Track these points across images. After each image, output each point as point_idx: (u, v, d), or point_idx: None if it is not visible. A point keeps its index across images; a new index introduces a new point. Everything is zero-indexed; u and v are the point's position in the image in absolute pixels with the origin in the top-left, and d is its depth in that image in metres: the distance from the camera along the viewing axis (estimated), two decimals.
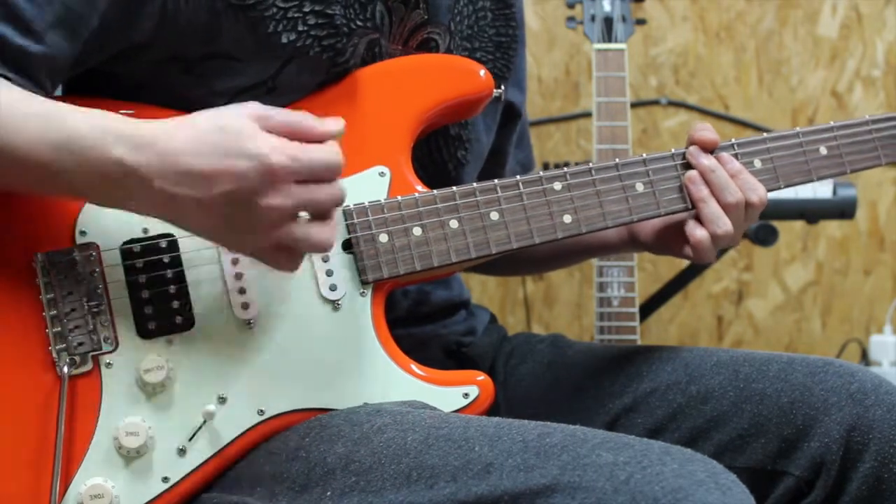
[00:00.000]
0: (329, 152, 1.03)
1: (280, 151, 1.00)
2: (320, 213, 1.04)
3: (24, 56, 1.04)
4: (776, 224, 2.07)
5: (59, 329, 1.08)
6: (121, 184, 1.01)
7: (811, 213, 2.11)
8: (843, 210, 2.10)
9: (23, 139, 0.99)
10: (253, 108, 1.03)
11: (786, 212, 2.09)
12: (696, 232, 1.23)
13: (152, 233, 1.11)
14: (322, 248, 1.05)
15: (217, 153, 0.99)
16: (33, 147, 0.99)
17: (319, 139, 1.05)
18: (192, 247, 1.11)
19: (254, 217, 1.01)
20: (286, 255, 1.06)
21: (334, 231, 1.06)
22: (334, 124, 1.06)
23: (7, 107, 1.00)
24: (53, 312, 1.08)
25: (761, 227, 2.05)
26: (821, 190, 2.08)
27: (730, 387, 1.24)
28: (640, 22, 2.05)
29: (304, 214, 1.03)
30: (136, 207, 1.04)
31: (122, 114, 1.07)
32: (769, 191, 1.26)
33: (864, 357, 2.59)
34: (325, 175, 1.03)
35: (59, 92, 1.16)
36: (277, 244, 1.03)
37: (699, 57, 2.62)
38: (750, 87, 2.63)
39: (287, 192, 1.01)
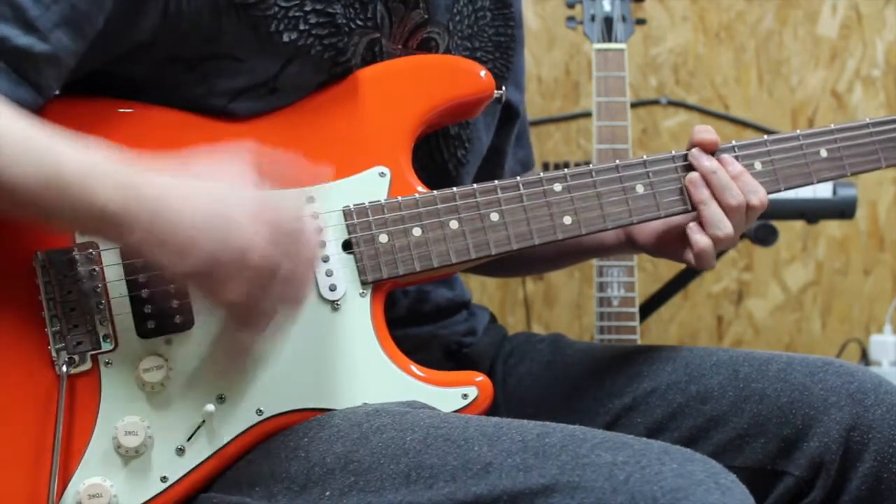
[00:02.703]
0: (310, 257, 1.05)
1: (261, 251, 1.00)
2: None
3: (28, 56, 1.04)
4: (776, 224, 2.07)
5: (58, 328, 1.08)
6: (101, 227, 1.01)
7: (811, 213, 2.12)
8: (843, 210, 2.10)
9: (10, 173, 0.97)
10: (244, 164, 1.03)
11: (786, 212, 2.09)
12: (699, 238, 1.23)
13: None
14: (295, 306, 1.07)
15: (204, 235, 0.99)
16: (20, 182, 0.98)
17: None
18: None
19: (219, 290, 1.02)
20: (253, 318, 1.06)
21: (304, 291, 1.07)
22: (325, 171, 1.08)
23: (2, 140, 0.98)
24: (52, 312, 1.08)
25: (761, 226, 2.05)
26: (821, 190, 2.08)
27: (729, 387, 1.24)
28: (640, 22, 2.05)
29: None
30: (114, 244, 1.06)
31: (122, 112, 1.08)
32: (769, 193, 1.25)
33: (864, 357, 2.59)
34: (297, 279, 1.04)
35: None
36: (241, 309, 1.04)
37: (699, 57, 2.62)
38: (750, 87, 2.63)
39: (256, 283, 1.01)
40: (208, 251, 0.99)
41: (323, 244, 1.14)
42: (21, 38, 1.03)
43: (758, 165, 1.26)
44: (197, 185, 1.02)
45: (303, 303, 1.07)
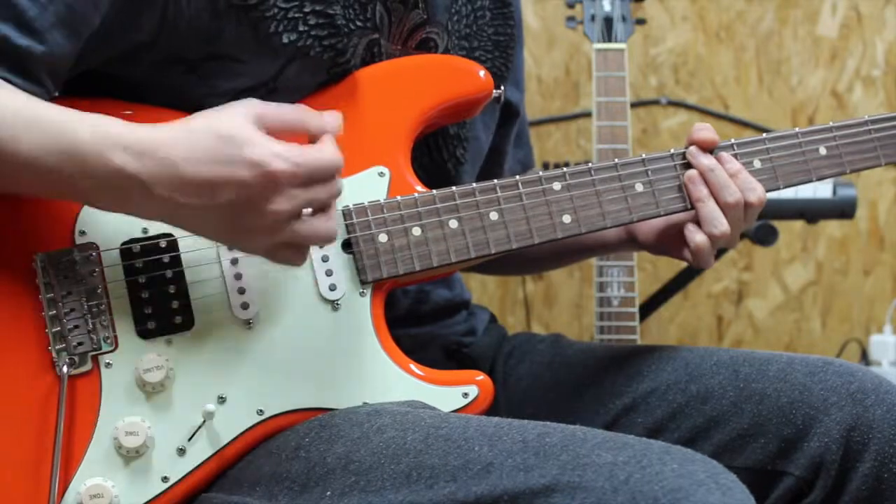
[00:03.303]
0: (328, 154, 1.04)
1: (281, 158, 1.01)
2: (321, 209, 1.05)
3: (26, 56, 1.04)
4: (776, 224, 2.07)
5: (59, 329, 1.08)
6: (122, 191, 1.01)
7: (811, 212, 2.11)
8: (843, 210, 2.10)
9: (26, 146, 0.99)
10: (250, 107, 1.04)
11: (786, 211, 2.09)
12: (696, 237, 1.23)
13: (152, 233, 1.11)
14: (326, 240, 1.07)
15: (218, 161, 1.00)
16: (36, 154, 0.99)
17: (317, 134, 1.05)
18: (191, 247, 1.12)
19: (258, 221, 1.02)
20: (291, 251, 1.07)
21: (335, 222, 1.07)
22: (332, 120, 1.07)
23: (11, 113, 1.00)
24: (53, 312, 1.08)
25: (761, 226, 2.05)
26: (821, 190, 2.08)
27: (730, 386, 1.24)
28: (640, 22, 2.05)
29: (307, 211, 1.04)
30: (139, 212, 1.05)
31: (122, 114, 1.07)
32: (768, 191, 1.26)
33: (864, 357, 2.59)
34: (325, 176, 1.04)
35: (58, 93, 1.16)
36: (282, 242, 1.04)
37: (699, 57, 2.62)
38: (750, 87, 2.63)
39: (289, 196, 1.02)
40: (231, 176, 1.00)
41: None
42: (20, 39, 1.04)
43: (757, 163, 1.26)
44: (200, 127, 1.02)
45: (335, 233, 1.07)
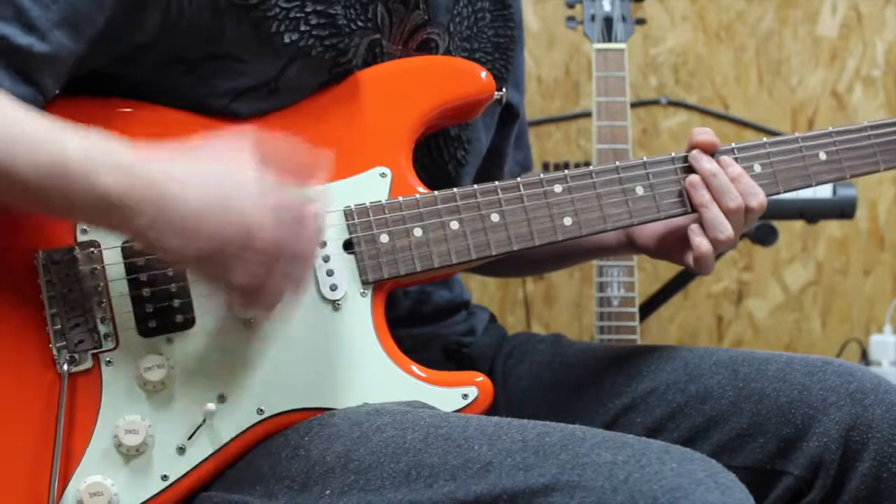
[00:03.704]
0: (309, 239, 1.04)
1: (266, 231, 1.00)
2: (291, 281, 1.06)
3: (28, 55, 1.04)
4: (776, 224, 2.07)
5: (60, 327, 1.08)
6: (104, 215, 1.00)
7: (811, 212, 2.12)
8: (842, 210, 2.10)
9: (14, 162, 0.98)
10: (251, 140, 1.03)
11: (786, 212, 2.09)
12: (700, 241, 1.23)
13: None
14: (297, 287, 1.07)
15: (207, 215, 0.99)
16: (24, 171, 0.98)
17: (306, 179, 1.05)
18: None
19: (225, 272, 1.02)
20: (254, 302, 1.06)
21: (306, 278, 1.07)
22: (322, 169, 1.08)
23: (2, 127, 0.99)
24: (54, 310, 1.08)
25: (761, 226, 2.05)
26: (821, 190, 2.08)
27: (729, 386, 1.24)
28: (640, 22, 2.05)
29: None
30: (115, 231, 1.05)
31: (122, 112, 1.08)
32: (769, 195, 1.26)
33: (864, 357, 2.59)
34: (302, 260, 1.04)
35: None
36: (248, 291, 1.04)
37: (699, 57, 2.62)
38: (750, 87, 2.63)
39: (261, 263, 1.01)
40: (214, 233, 0.99)
41: (323, 244, 1.14)
42: (21, 38, 1.04)
43: (757, 167, 1.26)
44: (200, 168, 1.01)
45: (307, 286, 1.07)
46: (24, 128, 1.00)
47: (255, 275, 1.01)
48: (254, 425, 1.12)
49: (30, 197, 1.01)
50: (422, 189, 1.19)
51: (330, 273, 1.15)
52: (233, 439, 1.11)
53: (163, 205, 0.98)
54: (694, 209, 1.24)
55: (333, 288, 1.15)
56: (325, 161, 1.08)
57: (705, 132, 1.25)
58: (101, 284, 1.09)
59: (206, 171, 1.01)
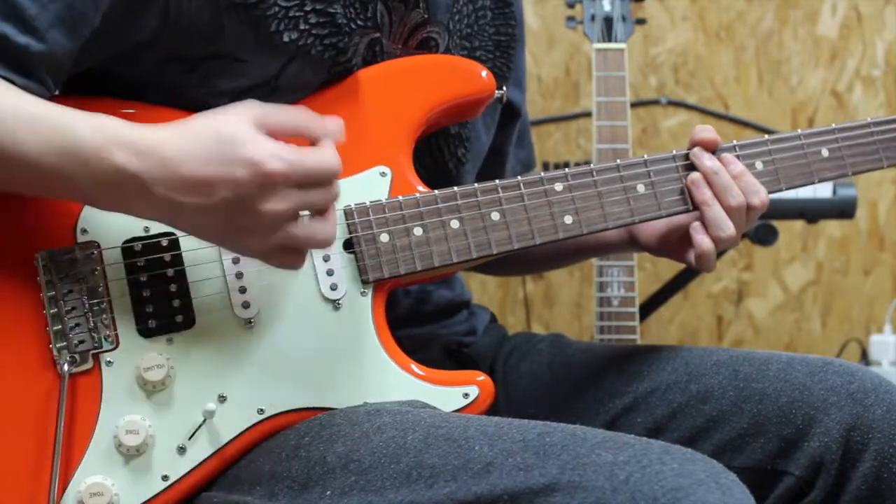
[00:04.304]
0: (326, 157, 1.04)
1: (277, 157, 1.00)
2: (319, 212, 1.05)
3: (25, 54, 1.04)
4: (776, 224, 2.07)
5: (60, 327, 1.08)
6: (122, 189, 1.01)
7: (811, 212, 2.12)
8: (843, 210, 2.10)
9: (26, 144, 0.99)
10: (250, 109, 1.04)
11: (786, 211, 2.09)
12: (702, 239, 1.23)
13: (153, 231, 1.11)
14: (324, 244, 1.07)
15: (216, 161, 1.00)
16: (36, 152, 0.99)
17: (318, 138, 1.05)
18: (193, 245, 1.12)
19: (254, 221, 1.02)
20: (289, 254, 1.06)
21: (334, 226, 1.07)
22: (333, 124, 1.07)
23: (12, 111, 1.00)
24: (54, 311, 1.08)
25: (761, 226, 2.05)
26: (821, 190, 2.08)
27: (729, 386, 1.24)
28: (640, 21, 2.05)
29: (304, 213, 1.04)
30: (139, 212, 1.05)
31: (122, 112, 1.07)
32: (771, 193, 1.26)
33: (864, 357, 2.59)
34: (322, 179, 1.04)
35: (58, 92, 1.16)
36: (279, 245, 1.04)
37: (699, 57, 2.62)
38: (750, 87, 2.63)
39: (285, 196, 1.01)
40: (227, 177, 0.99)
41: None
42: (19, 37, 1.04)
43: (759, 165, 1.26)
44: (198, 128, 1.02)
45: (334, 237, 1.07)
46: (34, 111, 1.01)
47: (286, 199, 1.01)
48: (254, 425, 1.11)
49: (50, 181, 1.01)
50: (422, 188, 1.19)
51: (330, 272, 1.15)
52: (233, 439, 1.11)
53: (174, 167, 0.99)
54: (695, 207, 1.24)
55: (333, 287, 1.14)
56: (332, 123, 1.08)
57: (707, 130, 1.25)
58: (102, 284, 1.09)
59: (201, 130, 1.02)
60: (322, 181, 1.04)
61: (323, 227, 1.05)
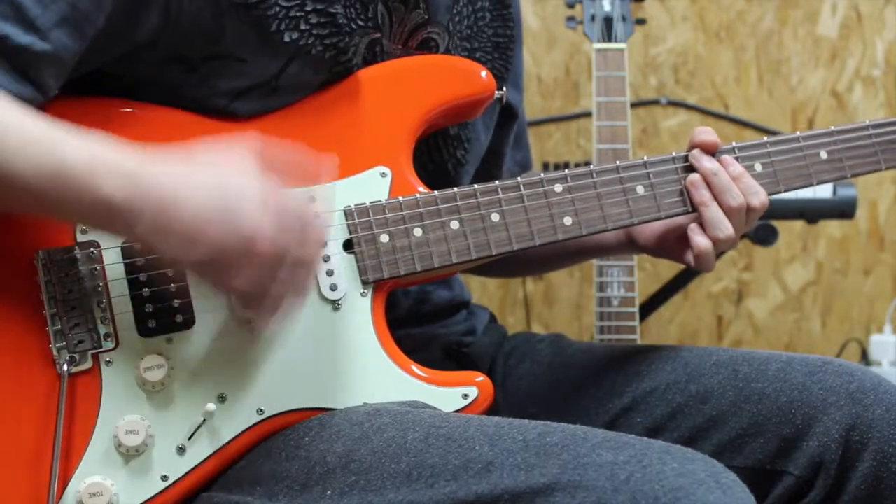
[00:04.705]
0: (315, 239, 1.05)
1: (270, 241, 1.00)
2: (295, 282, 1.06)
3: (28, 55, 1.04)
4: (776, 224, 2.07)
5: (60, 327, 1.08)
6: (106, 220, 1.00)
7: (811, 212, 2.12)
8: (843, 210, 2.10)
9: (14, 167, 0.98)
10: (255, 154, 1.03)
11: (786, 212, 2.09)
12: (700, 240, 1.23)
13: None
14: (285, 311, 1.07)
15: (212, 221, 0.99)
16: (24, 175, 0.98)
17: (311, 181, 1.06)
18: None
19: (227, 277, 1.02)
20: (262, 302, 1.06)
21: (304, 294, 1.08)
22: (326, 171, 1.08)
23: (2, 130, 0.99)
24: (54, 310, 1.08)
25: (761, 226, 2.05)
26: (821, 190, 2.08)
27: (729, 386, 1.24)
28: (640, 22, 2.05)
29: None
30: (121, 236, 1.06)
31: (122, 112, 1.08)
32: (770, 194, 1.26)
33: (864, 357, 2.59)
34: (306, 265, 1.05)
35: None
36: (250, 295, 1.04)
37: (699, 57, 2.62)
38: (750, 87, 2.63)
39: (261, 272, 1.01)
40: (216, 239, 0.99)
41: (324, 244, 1.14)
42: (21, 37, 1.03)
43: (758, 167, 1.26)
44: (202, 174, 1.01)
45: (309, 290, 1.07)
46: (25, 132, 0.99)
47: (256, 280, 1.01)
48: (254, 425, 1.11)
49: (31, 201, 1.01)
50: (422, 189, 1.19)
51: (330, 273, 1.15)
52: (233, 439, 1.11)
53: (164, 211, 0.99)
54: (694, 208, 1.24)
55: (333, 288, 1.14)
56: (328, 164, 1.08)
57: (706, 131, 1.25)
58: (101, 284, 1.09)
59: (208, 177, 1.01)
60: (304, 263, 1.04)
61: (291, 299, 1.06)
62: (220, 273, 1.02)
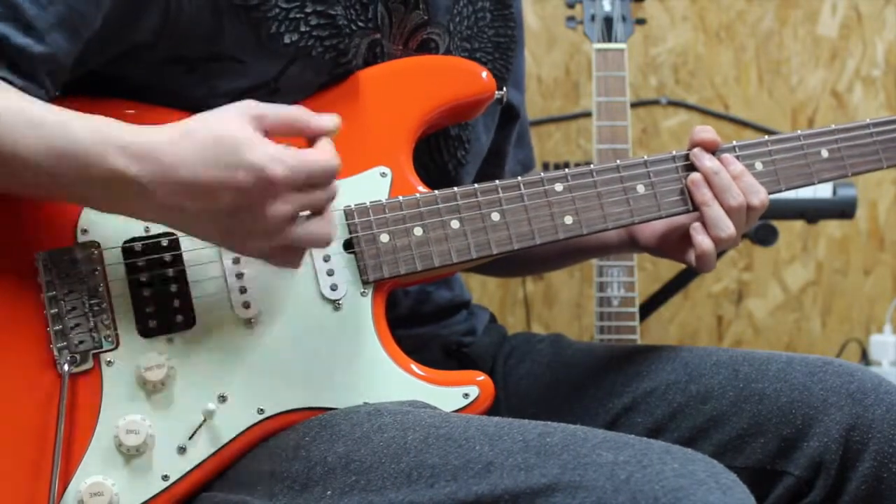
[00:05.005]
0: (325, 158, 1.04)
1: (278, 161, 1.00)
2: (318, 212, 1.05)
3: (25, 56, 1.04)
4: (776, 224, 2.07)
5: (60, 327, 1.08)
6: (121, 193, 1.01)
7: (811, 212, 2.12)
8: (843, 210, 2.10)
9: (25, 147, 0.99)
10: (248, 109, 1.03)
11: (786, 212, 2.09)
12: (702, 239, 1.23)
13: (154, 231, 1.11)
14: (323, 243, 1.07)
15: (217, 165, 1.00)
16: (35, 155, 0.99)
17: (315, 135, 1.05)
18: (193, 245, 1.12)
19: (256, 224, 1.02)
20: (289, 254, 1.06)
21: (334, 225, 1.07)
22: (329, 121, 1.07)
23: (11, 115, 1.00)
24: (54, 311, 1.08)
25: (761, 226, 2.05)
26: (821, 190, 2.08)
27: (729, 386, 1.24)
28: (640, 21, 2.05)
29: (303, 214, 1.04)
30: (138, 214, 1.05)
31: (124, 113, 1.07)
32: (770, 193, 1.26)
33: (864, 357, 2.59)
34: (322, 180, 1.04)
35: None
36: (280, 246, 1.04)
37: (699, 57, 2.62)
38: (750, 87, 2.63)
39: (286, 199, 1.01)
40: (229, 182, 0.99)
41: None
42: (19, 39, 1.04)
43: (759, 166, 1.26)
44: (196, 134, 1.01)
45: (334, 233, 1.07)
46: (32, 113, 1.00)
47: (287, 202, 1.01)
48: (254, 425, 1.11)
49: (47, 183, 1.01)
50: (422, 188, 1.19)
51: (330, 273, 1.15)
52: (233, 439, 1.11)
53: (176, 174, 0.99)
54: (695, 207, 1.24)
55: (334, 288, 1.15)
56: (329, 120, 1.08)
57: (706, 130, 1.25)
58: (102, 284, 1.09)
59: (201, 133, 1.01)
60: (322, 182, 1.04)
61: (322, 226, 1.05)
62: (252, 219, 1.01)
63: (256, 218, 1.01)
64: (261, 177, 1.00)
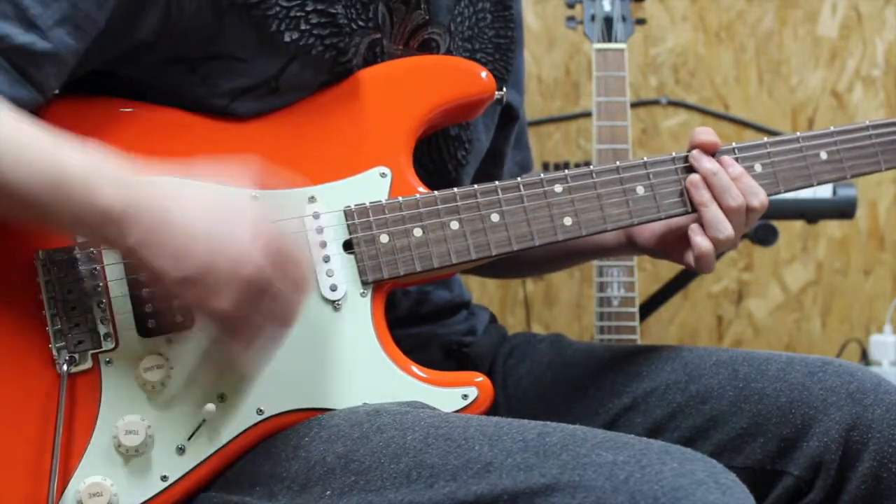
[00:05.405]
0: (301, 291, 1.05)
1: (256, 263, 1.00)
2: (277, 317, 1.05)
3: (29, 54, 1.04)
4: (776, 224, 2.07)
5: (60, 327, 1.08)
6: (100, 230, 1.01)
7: (811, 213, 2.12)
8: (843, 210, 2.10)
9: (12, 175, 0.98)
10: (252, 170, 1.03)
11: (786, 212, 2.10)
12: (700, 241, 1.23)
13: None
14: (265, 348, 1.07)
15: (201, 236, 1.00)
16: (22, 184, 0.99)
17: None
18: None
19: (208, 297, 1.02)
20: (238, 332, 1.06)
21: (290, 321, 1.07)
22: None
23: (2, 141, 0.99)
24: (54, 310, 1.08)
25: (761, 226, 2.05)
26: (821, 190, 2.08)
27: (729, 386, 1.24)
28: (640, 22, 2.05)
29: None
30: (108, 245, 1.06)
31: (122, 112, 1.07)
32: (769, 195, 1.26)
33: (864, 357, 2.59)
34: (288, 308, 1.05)
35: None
36: (229, 320, 1.04)
37: (699, 57, 2.63)
38: (750, 87, 2.63)
39: (245, 297, 1.01)
40: (204, 258, 0.99)
41: (323, 244, 1.14)
42: (22, 36, 1.03)
43: (758, 167, 1.26)
44: (198, 192, 1.02)
45: (291, 324, 1.07)
46: (23, 141, 1.00)
47: (237, 305, 1.01)
48: (253, 425, 1.11)
49: (31, 211, 1.01)
50: (422, 189, 1.19)
51: (330, 273, 1.15)
52: (232, 439, 1.11)
53: (158, 224, 0.99)
54: (694, 209, 1.24)
55: (333, 288, 1.14)
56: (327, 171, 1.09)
57: (706, 132, 1.25)
58: (101, 284, 1.09)
59: (205, 196, 1.02)
60: (289, 303, 1.04)
61: (269, 332, 1.06)
62: (202, 293, 1.01)
63: (212, 296, 1.01)
64: (236, 273, 1.00)
